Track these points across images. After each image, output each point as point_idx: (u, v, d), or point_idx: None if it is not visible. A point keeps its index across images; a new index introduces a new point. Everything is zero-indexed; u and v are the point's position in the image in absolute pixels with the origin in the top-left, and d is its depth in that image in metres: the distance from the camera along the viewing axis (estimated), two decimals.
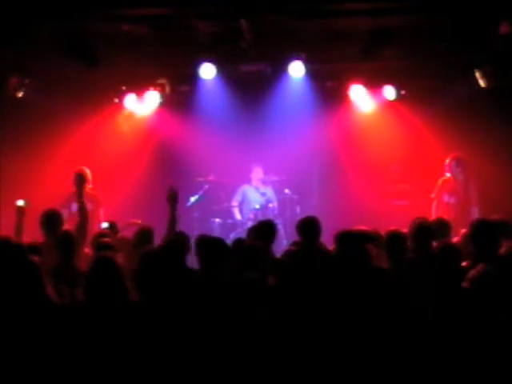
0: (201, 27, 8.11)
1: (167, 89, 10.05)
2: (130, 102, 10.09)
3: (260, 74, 9.83)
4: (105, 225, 6.70)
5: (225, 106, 10.18)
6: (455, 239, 5.87)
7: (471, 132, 9.55)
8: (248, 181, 10.56)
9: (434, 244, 5.25)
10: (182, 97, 10.33)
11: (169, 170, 10.59)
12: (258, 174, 10.47)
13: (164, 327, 4.25)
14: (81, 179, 6.45)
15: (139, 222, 7.69)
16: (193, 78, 9.78)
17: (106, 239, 5.84)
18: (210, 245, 4.90)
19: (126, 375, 4.13)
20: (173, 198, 6.11)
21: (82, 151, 9.99)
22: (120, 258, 5.22)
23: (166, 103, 10.17)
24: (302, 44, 8.99)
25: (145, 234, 6.16)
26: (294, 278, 4.62)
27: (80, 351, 4.14)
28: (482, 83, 9.07)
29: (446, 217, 7.09)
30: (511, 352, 4.22)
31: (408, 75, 9.71)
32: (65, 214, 7.08)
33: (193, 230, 9.10)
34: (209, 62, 9.48)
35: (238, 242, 5.55)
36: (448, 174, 9.19)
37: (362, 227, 5.78)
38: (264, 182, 10.44)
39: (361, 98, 10.10)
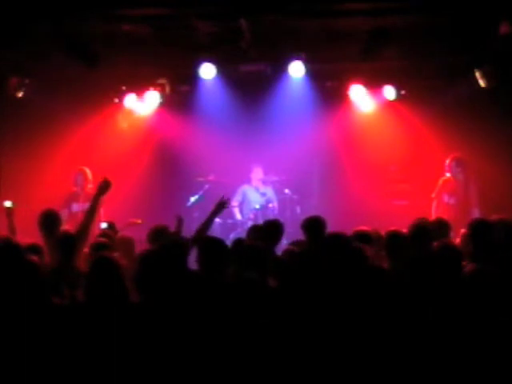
0: (201, 27, 8.11)
1: (167, 89, 10.05)
2: (130, 101, 10.10)
3: (260, 74, 9.84)
4: (104, 225, 6.70)
5: (225, 106, 10.18)
6: (457, 240, 5.86)
7: (471, 132, 9.55)
8: (248, 181, 10.56)
9: (435, 244, 5.24)
10: (181, 97, 10.33)
11: (169, 170, 10.61)
12: (257, 174, 10.47)
13: (164, 328, 4.25)
14: (106, 186, 6.28)
15: (139, 221, 7.70)
16: (193, 78, 9.79)
17: (103, 239, 5.83)
18: (210, 245, 4.90)
19: (126, 376, 4.13)
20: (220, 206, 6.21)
21: (82, 151, 10.01)
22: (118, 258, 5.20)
23: (166, 103, 10.17)
24: (302, 44, 8.99)
25: (158, 233, 6.08)
26: (296, 279, 4.62)
27: (80, 352, 4.14)
28: (482, 83, 9.07)
29: (445, 217, 7.08)
30: (509, 352, 4.22)
31: (408, 75, 9.71)
32: (65, 214, 7.09)
33: (193, 229, 9.08)
34: (209, 62, 9.49)
35: (238, 242, 5.54)
36: (448, 174, 9.19)
37: (363, 227, 5.78)
38: (264, 182, 10.44)
39: (361, 98, 10.10)
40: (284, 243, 8.62)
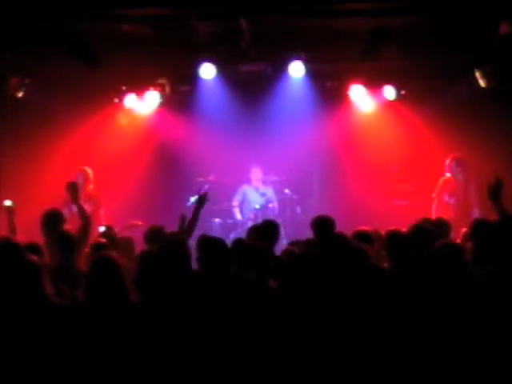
0: (201, 27, 8.11)
1: (167, 89, 10.05)
2: (130, 101, 10.09)
3: (260, 74, 9.84)
4: (102, 229, 6.71)
5: (225, 106, 10.18)
6: (457, 240, 5.86)
7: (471, 132, 9.54)
8: (248, 181, 10.56)
9: (436, 244, 5.24)
10: (182, 97, 10.33)
11: (169, 170, 10.61)
12: (256, 174, 10.46)
13: (164, 328, 4.25)
14: (73, 188, 6.39)
15: (139, 223, 7.69)
16: (193, 78, 9.79)
17: (102, 239, 5.84)
18: (210, 245, 4.90)
19: (126, 376, 4.13)
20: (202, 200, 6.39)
21: (82, 151, 10.00)
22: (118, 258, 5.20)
23: (166, 103, 10.17)
24: (302, 44, 8.99)
25: (155, 233, 6.11)
26: (295, 279, 4.62)
27: (80, 352, 4.14)
28: (482, 83, 9.07)
29: (446, 217, 7.09)
30: (510, 352, 4.23)
31: (408, 75, 9.71)
32: (65, 214, 7.07)
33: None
34: (209, 62, 9.49)
35: (238, 242, 5.54)
36: (448, 174, 9.19)
37: (363, 227, 5.78)
38: (264, 182, 10.44)
39: (361, 98, 10.11)
40: (284, 243, 8.63)
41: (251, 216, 9.99)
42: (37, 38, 7.94)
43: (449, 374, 4.22)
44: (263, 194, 10.25)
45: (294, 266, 4.77)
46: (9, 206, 6.54)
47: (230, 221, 10.27)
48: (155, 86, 9.97)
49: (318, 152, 10.66)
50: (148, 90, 9.98)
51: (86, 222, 6.15)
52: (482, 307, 4.37)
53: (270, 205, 10.12)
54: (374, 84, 9.94)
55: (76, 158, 9.81)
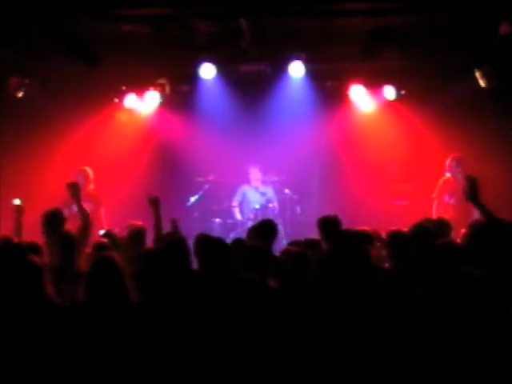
0: (201, 27, 8.11)
1: (167, 89, 10.05)
2: (130, 101, 10.10)
3: (260, 74, 9.84)
4: (102, 232, 6.72)
5: (225, 106, 10.18)
6: (458, 240, 5.85)
7: (471, 132, 9.55)
8: (248, 181, 10.56)
9: (436, 243, 5.24)
10: (182, 97, 10.34)
11: (169, 170, 10.61)
12: (254, 174, 10.46)
13: (164, 328, 4.25)
14: (75, 188, 6.39)
15: (140, 224, 7.67)
16: (193, 78, 9.79)
17: (103, 240, 5.84)
18: (210, 245, 4.90)
19: (126, 376, 4.13)
20: (154, 202, 6.24)
21: (82, 151, 10.01)
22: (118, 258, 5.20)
23: (166, 103, 10.17)
24: (302, 44, 8.99)
25: (138, 235, 6.17)
26: (295, 279, 4.62)
27: (80, 352, 4.14)
28: (482, 83, 9.07)
29: (446, 217, 7.09)
30: (510, 352, 4.23)
31: (408, 75, 9.72)
32: (65, 214, 7.07)
33: (193, 230, 9.09)
34: (209, 62, 9.49)
35: (238, 242, 5.54)
36: (448, 174, 9.19)
37: (363, 227, 5.78)
38: (264, 182, 10.44)
39: (361, 98, 10.11)
40: (284, 243, 8.64)
41: (251, 216, 9.99)
42: (37, 38, 7.94)
43: (449, 374, 4.22)
44: (263, 194, 10.25)
45: (292, 265, 4.77)
46: (18, 205, 6.53)
47: (230, 221, 10.27)
48: (155, 85, 9.97)
49: (318, 152, 10.66)
50: (148, 89, 9.98)
51: (87, 222, 6.15)
52: (481, 307, 4.37)
53: (270, 205, 10.12)
54: (374, 84, 9.94)
55: (76, 157, 9.81)
